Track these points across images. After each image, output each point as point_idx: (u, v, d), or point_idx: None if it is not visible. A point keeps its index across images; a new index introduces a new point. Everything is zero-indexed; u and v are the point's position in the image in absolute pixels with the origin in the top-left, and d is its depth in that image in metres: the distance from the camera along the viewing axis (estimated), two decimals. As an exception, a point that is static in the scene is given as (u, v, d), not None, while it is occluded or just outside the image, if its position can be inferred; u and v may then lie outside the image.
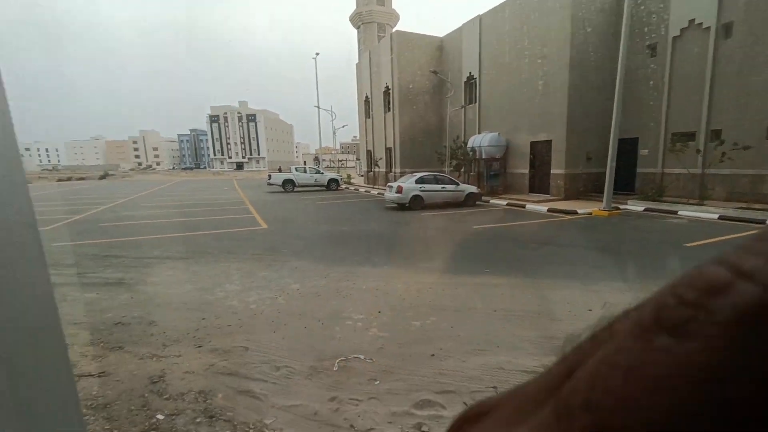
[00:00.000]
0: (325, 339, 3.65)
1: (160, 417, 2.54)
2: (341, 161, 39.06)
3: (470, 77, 19.25)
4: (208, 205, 15.90)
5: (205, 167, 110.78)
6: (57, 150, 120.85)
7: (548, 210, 12.12)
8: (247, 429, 2.42)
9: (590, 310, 4.20)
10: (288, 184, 21.89)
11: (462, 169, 18.22)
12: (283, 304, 4.53)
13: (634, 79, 13.69)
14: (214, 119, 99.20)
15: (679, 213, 10.59)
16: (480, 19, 18.08)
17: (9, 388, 0.50)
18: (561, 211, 11.73)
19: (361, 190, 23.04)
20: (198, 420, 2.51)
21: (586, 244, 8.00)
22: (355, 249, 7.60)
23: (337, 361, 3.20)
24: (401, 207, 13.34)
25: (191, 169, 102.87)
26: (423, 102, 22.08)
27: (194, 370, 3.11)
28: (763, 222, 9.00)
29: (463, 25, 19.39)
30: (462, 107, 19.93)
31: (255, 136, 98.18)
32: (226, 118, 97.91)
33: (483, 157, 17.12)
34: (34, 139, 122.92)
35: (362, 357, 3.26)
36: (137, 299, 4.73)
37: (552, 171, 14.99)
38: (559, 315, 4.18)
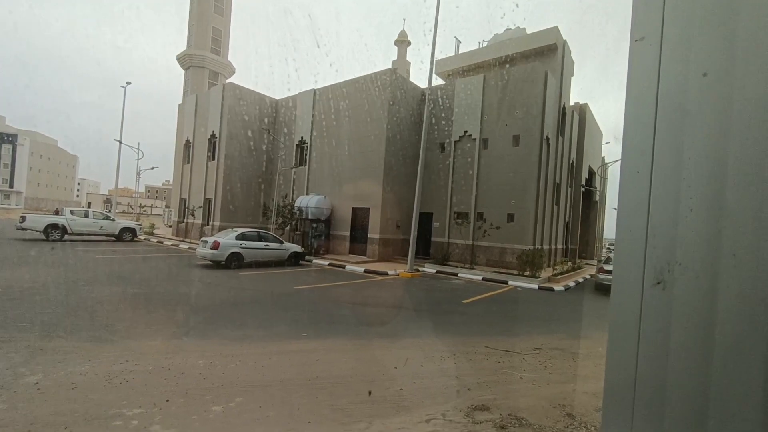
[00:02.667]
0: (70, 455, 2.59)
1: None
2: (144, 207, 32.83)
3: (302, 141, 20.20)
4: None
5: None
6: None
7: (364, 271, 13.16)
8: None
9: (395, 367, 4.53)
10: (54, 231, 16.48)
11: (287, 228, 18.10)
12: (2, 410, 3.06)
13: (432, 166, 17.33)
14: (-68, 129, 68.55)
15: (459, 275, 13.33)
16: (314, 92, 19.70)
17: None
18: (375, 272, 12.92)
19: (168, 243, 19.63)
20: None
21: (394, 303, 8.93)
22: (146, 318, 6.13)
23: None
24: (216, 265, 11.92)
25: None
26: (252, 156, 21.55)
27: None
28: (506, 282, 12.25)
29: (299, 93, 20.66)
30: (292, 168, 20.41)
31: (10, 163, 72.57)
32: (-43, 132, 69.27)
33: (309, 217, 17.58)
34: None
35: (129, 471, 2.44)
36: None
37: (369, 235, 16.66)
38: (369, 376, 4.33)
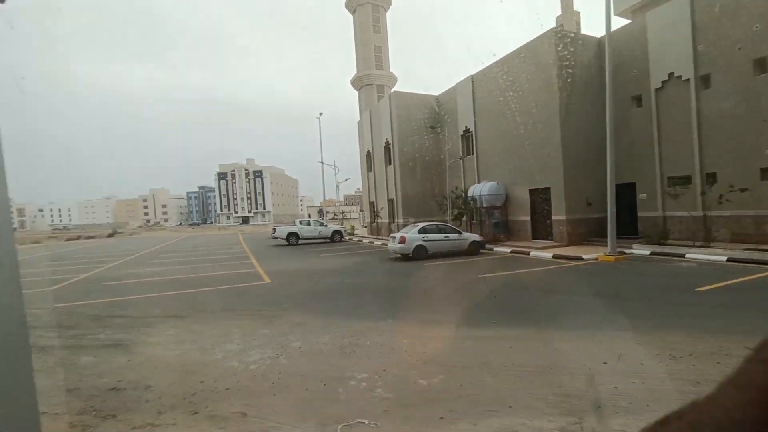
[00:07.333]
0: (327, 402, 3.47)
1: (150, 496, 2.36)
2: (345, 213, 39.64)
3: (467, 131, 20.14)
4: (212, 260, 15.93)
5: (211, 222, 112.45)
6: (69, 210, 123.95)
7: (553, 256, 12.01)
8: None
9: (605, 363, 4.01)
10: (292, 237, 22.07)
11: (463, 218, 18.38)
12: (284, 364, 4.37)
13: (624, 127, 14.27)
14: (222, 176, 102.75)
15: (687, 256, 10.44)
16: (472, 78, 19.34)
17: None
18: (566, 257, 11.61)
19: (365, 241, 23.11)
20: (190, 499, 2.33)
21: (596, 291, 7.81)
22: (358, 302, 7.46)
23: (340, 427, 3.02)
24: (405, 257, 13.28)
25: (198, 224, 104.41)
26: (422, 154, 22.91)
27: (189, 440, 2.94)
28: (773, 263, 8.81)
29: (457, 84, 20.70)
30: (460, 158, 20.61)
31: (261, 191, 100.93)
32: (233, 175, 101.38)
33: (484, 205, 17.35)
34: (48, 200, 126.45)
35: (366, 422, 3.08)
36: (135, 362, 4.59)
37: (553, 217, 15.08)
38: (573, 369, 3.98)
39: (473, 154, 19.69)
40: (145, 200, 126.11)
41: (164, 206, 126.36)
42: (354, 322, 5.98)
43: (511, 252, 13.79)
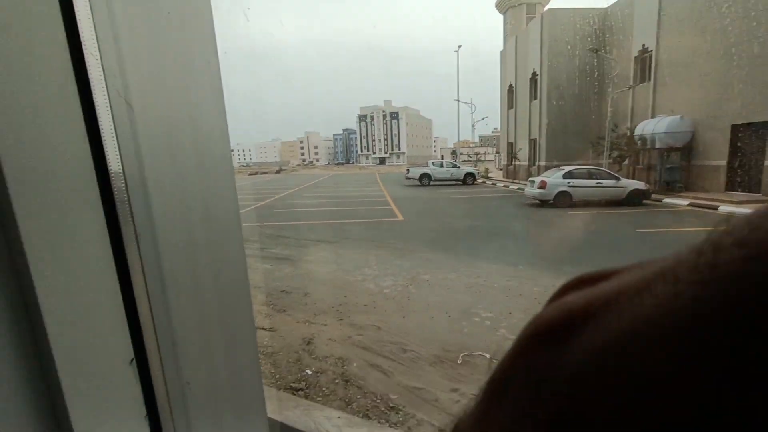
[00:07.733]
0: (451, 332, 3.68)
1: (308, 372, 3.04)
2: (479, 155, 37.91)
3: (644, 50, 15.96)
4: (355, 196, 17.77)
5: (353, 162, 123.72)
6: (249, 150, 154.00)
7: (757, 214, 9.15)
8: (374, 399, 2.67)
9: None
10: (425, 178, 22.50)
11: (624, 162, 15.39)
12: (413, 292, 4.75)
13: None
14: (362, 119, 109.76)
15: None
16: (662, -24, 14.73)
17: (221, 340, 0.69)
18: (779, 217, 8.69)
19: (499, 184, 21.92)
20: (336, 381, 2.90)
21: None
22: (488, 245, 7.34)
23: (462, 354, 3.20)
24: (544, 204, 12.17)
25: (342, 164, 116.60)
26: (576, 86, 19.45)
27: (336, 338, 3.59)
28: None
29: (637, -13, 16.15)
30: (630, 87, 16.73)
31: (397, 132, 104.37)
32: (372, 117, 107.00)
33: (656, 146, 14.05)
34: (235, 142, 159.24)
35: (488, 356, 3.18)
36: (297, 273, 5.71)
37: (766, 162, 11.23)
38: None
39: (649, 80, 15.71)
40: (301, 142, 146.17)
41: (316, 147, 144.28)
42: (483, 263, 5.96)
43: (688, 205, 11.10)
